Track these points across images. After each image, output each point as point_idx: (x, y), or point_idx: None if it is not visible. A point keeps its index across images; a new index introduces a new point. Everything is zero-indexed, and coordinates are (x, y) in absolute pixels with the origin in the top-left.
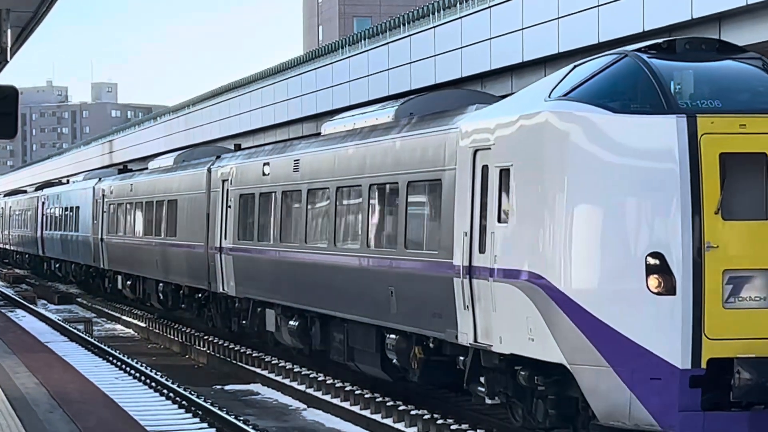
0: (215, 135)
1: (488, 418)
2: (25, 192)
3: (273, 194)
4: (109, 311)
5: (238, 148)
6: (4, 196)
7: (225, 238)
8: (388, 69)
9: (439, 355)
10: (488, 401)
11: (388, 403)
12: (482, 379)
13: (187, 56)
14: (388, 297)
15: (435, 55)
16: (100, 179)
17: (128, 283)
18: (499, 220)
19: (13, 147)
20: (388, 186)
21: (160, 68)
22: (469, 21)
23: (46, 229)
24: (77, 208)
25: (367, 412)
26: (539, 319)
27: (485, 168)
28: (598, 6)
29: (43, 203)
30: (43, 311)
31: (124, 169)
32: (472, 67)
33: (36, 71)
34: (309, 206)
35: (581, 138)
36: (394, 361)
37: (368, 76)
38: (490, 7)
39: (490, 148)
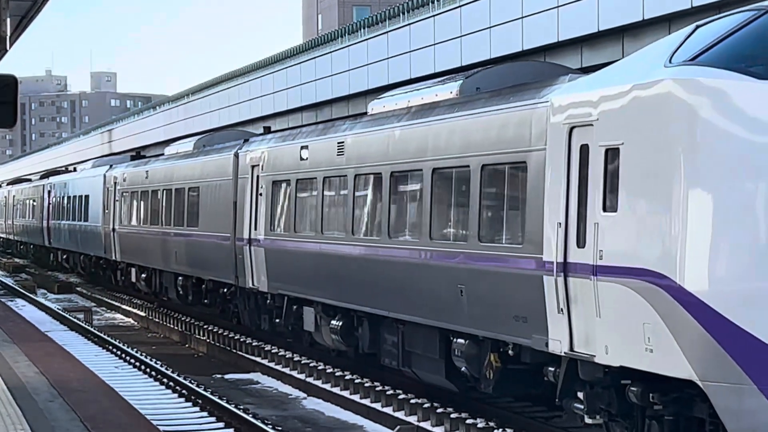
0: (214, 124)
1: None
2: (29, 180)
3: (313, 181)
4: (109, 300)
5: (267, 130)
6: (8, 184)
7: (255, 229)
8: (388, 58)
9: (519, 364)
10: (588, 420)
11: (387, 392)
12: (580, 395)
13: (185, 46)
14: (456, 296)
15: (435, 44)
16: (111, 166)
17: (143, 276)
18: (605, 209)
19: (12, 136)
20: (456, 170)
21: (158, 58)
22: (469, 9)
23: (52, 219)
24: (86, 196)
25: (367, 401)
26: (661, 327)
27: (585, 148)
28: None
29: (49, 192)
30: (42, 300)
31: (137, 155)
32: (472, 56)
33: (35, 60)
34: (356, 193)
35: (713, 110)
36: (463, 369)
37: (368, 65)
38: None
39: (591, 125)
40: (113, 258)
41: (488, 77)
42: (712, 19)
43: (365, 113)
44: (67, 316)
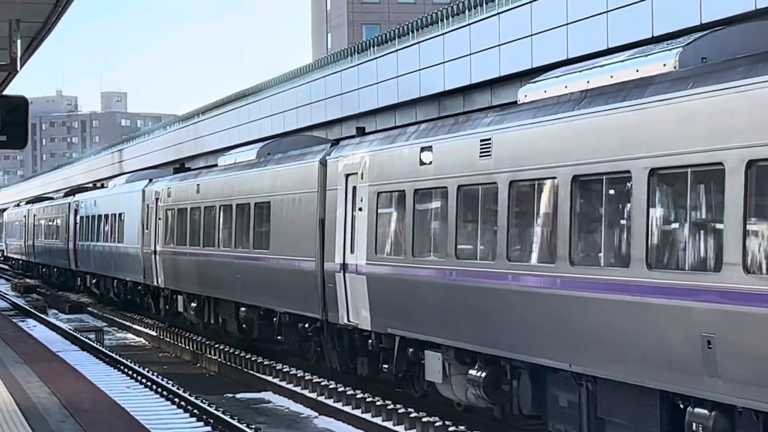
0: (225, 143)
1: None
2: (51, 199)
3: (441, 191)
4: (120, 320)
5: (362, 132)
6: (27, 203)
7: (352, 252)
8: (397, 76)
9: None
10: None
11: (399, 410)
12: None
13: (195, 66)
14: (699, 349)
15: (444, 62)
16: (151, 180)
17: (193, 305)
18: None
19: (23, 157)
20: (695, 170)
21: (168, 78)
22: (478, 28)
23: (79, 240)
24: (121, 215)
25: (378, 420)
26: None
27: None
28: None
29: (76, 210)
30: (54, 321)
31: (181, 168)
32: (481, 74)
33: (46, 81)
34: (512, 206)
35: None
36: None
37: (377, 83)
38: (498, 13)
39: None
40: (154, 284)
41: (716, 43)
42: None
43: (515, 102)
44: (79, 336)
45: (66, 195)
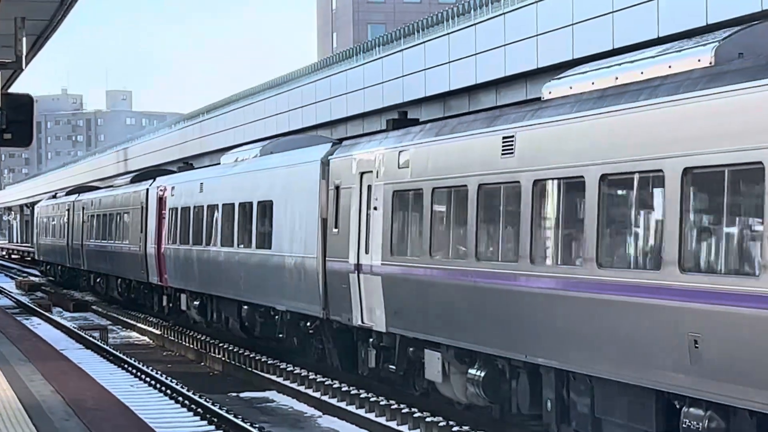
0: (229, 142)
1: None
2: (106, 186)
3: None
4: (124, 319)
5: None
6: (68, 193)
7: None
8: (403, 76)
9: None
10: None
11: (403, 410)
12: None
13: (199, 65)
14: None
15: (449, 62)
16: (337, 144)
17: (477, 374)
18: None
19: (28, 155)
20: None
21: (173, 76)
22: (483, 28)
23: (170, 242)
24: (265, 205)
25: (382, 419)
26: None
27: None
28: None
29: (161, 200)
30: (58, 319)
31: (404, 118)
32: (486, 74)
33: (51, 79)
34: None
35: None
36: None
37: (383, 83)
38: (503, 13)
39: None
40: (356, 322)
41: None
42: None
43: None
44: (83, 334)
45: (135, 180)
